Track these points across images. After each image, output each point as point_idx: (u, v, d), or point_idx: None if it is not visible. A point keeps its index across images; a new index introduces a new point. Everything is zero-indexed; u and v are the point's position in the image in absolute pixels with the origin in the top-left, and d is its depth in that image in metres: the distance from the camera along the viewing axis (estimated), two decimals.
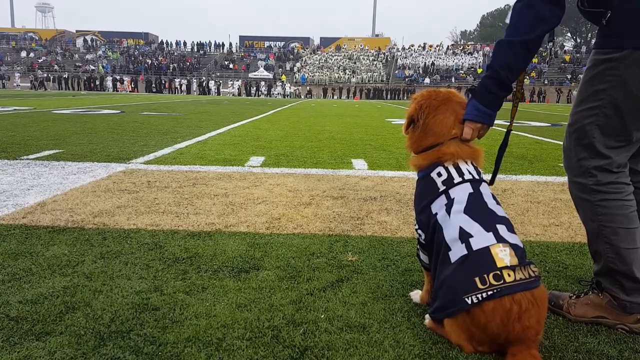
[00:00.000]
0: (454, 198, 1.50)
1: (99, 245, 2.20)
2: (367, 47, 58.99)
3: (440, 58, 53.92)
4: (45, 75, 47.62)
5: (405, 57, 55.33)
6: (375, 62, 54.69)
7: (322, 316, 1.59)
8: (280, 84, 49.49)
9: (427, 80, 49.73)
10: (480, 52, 54.55)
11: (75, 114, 10.63)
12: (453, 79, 49.34)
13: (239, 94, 46.69)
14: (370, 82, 50.50)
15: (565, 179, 4.07)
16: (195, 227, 2.51)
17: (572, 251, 2.32)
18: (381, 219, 2.73)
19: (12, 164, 4.13)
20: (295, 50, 59.70)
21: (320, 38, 62.78)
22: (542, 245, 2.39)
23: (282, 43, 61.66)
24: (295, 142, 6.40)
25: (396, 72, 52.36)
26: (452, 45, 61.50)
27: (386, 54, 57.00)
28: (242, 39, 62.44)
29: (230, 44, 61.17)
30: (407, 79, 50.37)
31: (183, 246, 2.22)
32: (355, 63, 54.70)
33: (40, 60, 53.91)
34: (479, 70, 50.48)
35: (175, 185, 3.52)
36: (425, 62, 53.15)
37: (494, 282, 1.33)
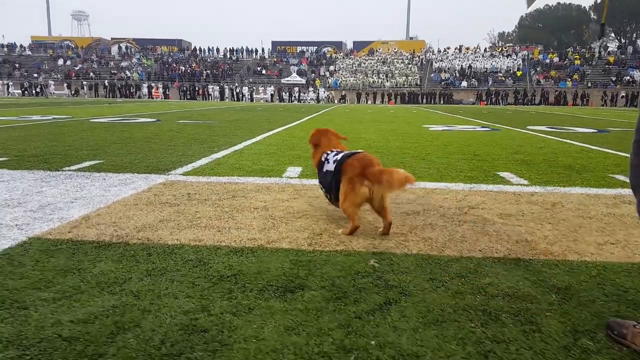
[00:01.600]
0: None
1: (145, 262, 2.21)
2: (401, 51, 58.61)
3: (477, 61, 53.07)
4: (80, 82, 49.18)
5: (441, 60, 54.70)
6: (410, 66, 54.27)
7: (373, 342, 1.54)
8: (313, 89, 49.69)
9: (464, 83, 49.03)
10: (519, 55, 53.42)
11: (112, 123, 10.91)
12: (490, 82, 48.47)
13: (272, 100, 47.11)
14: (405, 86, 50.11)
15: (618, 191, 3.93)
16: (237, 242, 2.50)
17: (632, 272, 2.19)
18: (426, 235, 2.66)
19: (55, 175, 4.24)
20: (328, 55, 59.84)
21: (353, 42, 62.81)
22: (598, 266, 2.27)
23: (315, 48, 61.92)
24: None
25: (432, 75, 51.81)
26: (490, 47, 60.49)
27: (421, 57, 56.51)
28: (275, 44, 63.04)
29: (263, 50, 61.84)
30: (443, 83, 49.78)
31: (227, 263, 2.21)
32: (389, 67, 54.41)
33: (76, 68, 55.71)
34: (518, 73, 49.45)
35: (215, 197, 3.53)
36: (461, 65, 52.40)
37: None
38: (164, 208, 3.19)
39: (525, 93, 45.08)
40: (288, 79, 52.65)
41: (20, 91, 46.30)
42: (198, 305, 1.78)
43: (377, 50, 59.34)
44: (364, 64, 56.02)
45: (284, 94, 48.04)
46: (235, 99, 47.28)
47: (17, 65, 55.97)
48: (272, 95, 48.19)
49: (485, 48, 57.70)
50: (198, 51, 61.73)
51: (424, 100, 46.42)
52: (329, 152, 3.00)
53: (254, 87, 49.78)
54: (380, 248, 2.45)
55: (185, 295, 1.86)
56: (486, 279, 2.07)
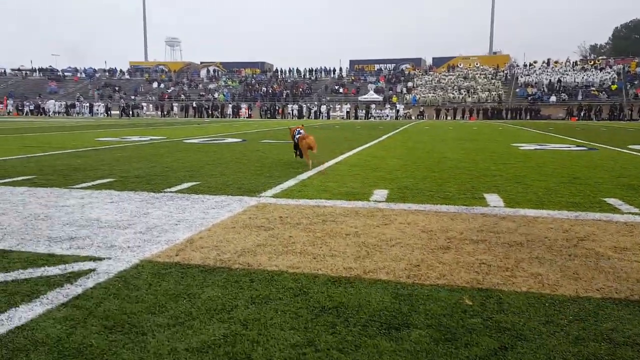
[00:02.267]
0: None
1: (248, 288, 2.26)
2: (484, 66, 56.92)
3: (567, 74, 50.22)
4: (170, 104, 52.60)
5: (527, 75, 52.38)
6: (493, 81, 52.48)
7: None
8: (389, 106, 49.49)
9: (552, 98, 46.53)
10: (614, 68, 49.89)
11: (203, 143, 11.48)
12: (580, 96, 45.64)
13: (348, 117, 47.49)
14: (488, 101, 48.46)
15: None
16: (334, 271, 2.50)
17: None
18: (534, 271, 2.50)
19: (158, 197, 4.50)
20: (407, 72, 59.45)
21: (433, 58, 61.92)
22: None
23: (393, 65, 61.77)
24: (417, 172, 6.25)
25: (517, 90, 49.72)
26: (581, 60, 57.10)
27: (505, 71, 54.49)
28: (352, 63, 63.67)
29: (341, 69, 62.62)
30: (529, 98, 47.58)
31: (327, 293, 2.20)
32: (470, 82, 52.96)
33: (169, 91, 59.58)
34: (613, 87, 46.13)
35: (305, 222, 3.57)
36: (550, 79, 49.82)
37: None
38: (259, 232, 3.27)
39: (621, 108, 41.84)
40: (365, 96, 52.81)
41: (118, 112, 50.27)
42: (304, 339, 1.78)
43: (457, 66, 58.02)
44: (444, 79, 54.94)
45: (360, 111, 48.24)
46: (313, 117, 48.17)
47: (116, 88, 60.94)
48: (347, 112, 48.57)
49: (576, 61, 54.46)
50: (279, 72, 63.80)
51: (508, 116, 44.52)
52: (295, 130, 7.27)
53: (331, 105, 50.46)
54: (485, 284, 2.33)
55: (290, 327, 1.88)
56: (609, 324, 1.90)
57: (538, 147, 10.64)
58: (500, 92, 49.62)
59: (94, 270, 2.49)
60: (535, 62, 55.06)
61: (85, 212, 3.79)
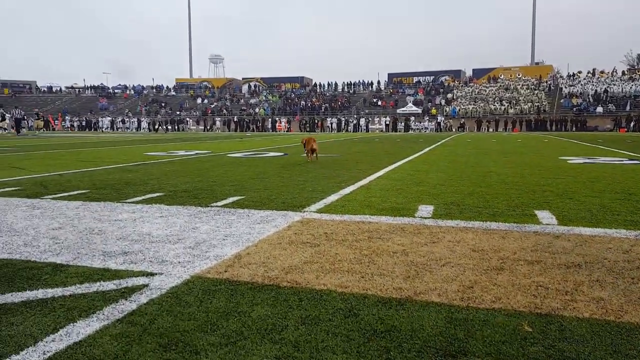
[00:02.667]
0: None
1: (297, 308, 2.25)
2: (526, 77, 55.61)
3: (614, 84, 48.39)
4: (212, 118, 54.00)
5: (571, 85, 50.83)
6: (536, 92, 51.16)
7: None
8: (428, 118, 48.98)
9: (599, 109, 44.89)
10: None
11: (246, 157, 11.66)
12: (629, 107, 43.81)
13: (387, 130, 47.28)
14: (531, 112, 47.22)
15: None
16: (383, 291, 2.45)
17: None
18: (596, 295, 2.38)
19: (205, 211, 4.58)
20: (446, 84, 58.79)
21: (473, 70, 61.01)
22: None
23: (432, 77, 61.24)
24: (462, 187, 6.12)
25: (561, 101, 48.27)
26: (629, 69, 54.92)
27: (548, 82, 53.06)
28: (391, 76, 63.53)
29: (379, 82, 62.60)
30: (575, 109, 46.07)
31: (377, 315, 2.16)
32: (512, 93, 51.81)
33: (212, 106, 61.09)
34: None
35: (351, 238, 3.54)
36: (596, 90, 48.15)
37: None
38: (305, 248, 3.26)
39: None
40: (404, 109, 52.49)
41: (164, 127, 51.95)
42: None
43: (499, 77, 56.90)
44: (485, 91, 53.96)
45: (399, 123, 47.93)
46: (352, 129, 48.21)
47: (163, 104, 63.00)
48: (387, 125, 48.37)
49: (623, 71, 52.40)
50: (318, 86, 64.35)
51: (553, 128, 43.18)
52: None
53: (370, 118, 50.38)
54: (544, 308, 2.23)
55: (342, 350, 1.85)
56: None
57: (587, 160, 10.23)
58: (543, 103, 48.27)
59: (147, 285, 2.54)
60: (579, 72, 53.38)
61: (137, 227, 3.89)
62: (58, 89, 71.95)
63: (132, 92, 69.41)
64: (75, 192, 5.69)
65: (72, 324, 2.07)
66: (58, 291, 2.47)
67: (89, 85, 71.75)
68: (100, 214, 4.41)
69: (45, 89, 72.02)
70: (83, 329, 2.03)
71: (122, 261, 2.97)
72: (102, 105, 64.26)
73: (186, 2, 72.20)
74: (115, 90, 70.50)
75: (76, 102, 66.79)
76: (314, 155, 10.47)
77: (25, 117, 34.79)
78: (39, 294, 2.44)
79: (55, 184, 6.46)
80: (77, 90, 71.30)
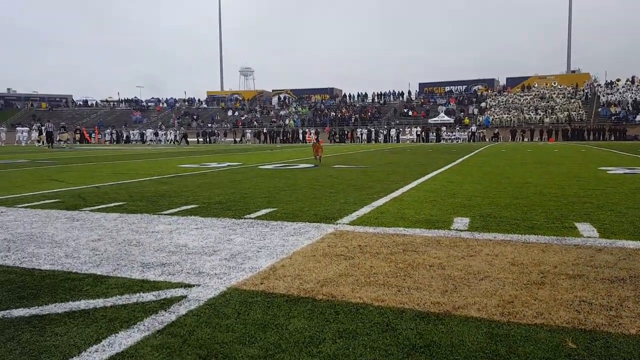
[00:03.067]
0: None
1: (334, 321, 2.24)
2: (562, 85, 54.39)
3: None
4: (242, 130, 54.81)
5: (609, 94, 49.44)
6: (572, 100, 49.95)
7: None
8: (459, 127, 48.41)
9: (639, 117, 43.45)
10: None
11: (277, 169, 11.75)
12: None
13: (417, 140, 46.91)
14: (567, 122, 46.09)
15: None
16: (421, 306, 2.42)
17: None
18: None
19: (239, 223, 4.63)
20: (479, 93, 58.06)
21: (507, 78, 60.10)
22: None
23: (464, 87, 60.61)
24: (498, 198, 6.00)
25: (599, 110, 46.95)
26: None
27: (585, 90, 51.73)
28: (422, 86, 63.22)
29: (410, 92, 62.33)
30: (613, 117, 44.74)
31: (416, 330, 2.13)
32: (548, 102, 50.72)
33: (242, 118, 61.96)
34: None
35: (385, 251, 3.51)
36: (635, 98, 46.67)
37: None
38: (340, 261, 3.25)
39: None
40: (435, 118, 52.01)
41: (196, 139, 53.03)
42: None
43: (533, 86, 55.82)
44: (519, 100, 52.99)
45: (431, 134, 47.49)
46: (382, 140, 48.02)
47: (195, 117, 64.30)
48: (418, 135, 48.00)
49: None
50: (348, 97, 64.52)
51: (591, 137, 41.97)
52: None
53: (400, 129, 50.10)
54: (588, 325, 2.16)
55: None
56: None
57: (628, 171, 9.89)
58: (580, 111, 47.04)
59: (185, 297, 2.58)
60: (618, 80, 51.86)
61: (173, 238, 3.97)
62: (93, 102, 74.43)
63: (165, 105, 71.12)
64: (113, 204, 5.84)
65: (114, 335, 2.12)
66: (99, 302, 2.53)
67: (123, 99, 73.94)
68: (138, 226, 4.51)
69: (81, 103, 74.59)
70: (125, 339, 2.07)
71: (160, 272, 3.03)
72: (136, 118, 65.99)
73: (217, 17, 73.84)
74: (149, 104, 72.41)
75: (111, 116, 68.84)
76: (320, 157, 14.19)
77: (54, 130, 36.70)
78: (81, 304, 2.50)
79: (93, 196, 6.65)
80: (111, 103, 73.56)
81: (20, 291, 2.71)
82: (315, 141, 15.36)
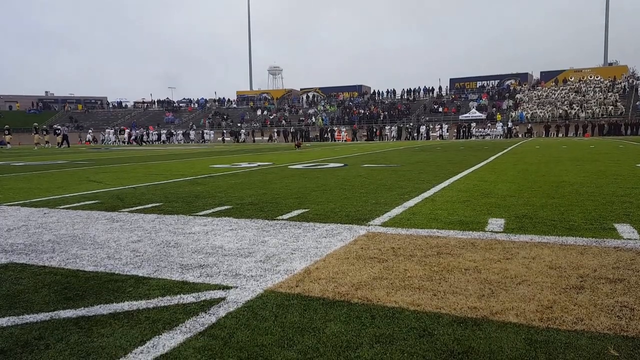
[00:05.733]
0: None
1: (370, 325, 2.26)
2: (598, 78, 52.73)
3: None
4: (274, 129, 55.32)
5: None
6: (609, 94, 48.39)
7: None
8: (490, 123, 47.53)
9: None
10: None
11: (307, 169, 11.82)
12: None
13: (449, 137, 46.31)
14: (604, 116, 44.68)
15: None
16: (457, 310, 2.41)
17: None
18: None
19: (272, 224, 4.69)
20: (512, 88, 56.86)
21: (541, 72, 58.72)
22: None
23: (497, 81, 59.46)
24: (534, 198, 5.89)
25: (637, 103, 45.37)
26: None
27: (623, 84, 50.03)
28: (453, 81, 62.31)
29: (440, 88, 61.50)
30: None
31: (453, 336, 2.13)
32: (584, 96, 49.28)
33: (271, 117, 62.42)
34: None
35: (419, 254, 3.51)
36: None
37: None
38: (373, 264, 3.27)
39: None
40: (467, 114, 51.23)
41: (229, 138, 53.96)
42: None
43: (569, 79, 54.30)
44: (554, 94, 51.64)
45: (462, 130, 46.81)
46: (411, 137, 47.59)
47: (225, 116, 65.15)
48: (447, 131, 47.41)
49: None
50: (377, 94, 64.15)
51: (628, 132, 40.58)
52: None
53: (431, 125, 49.52)
54: (630, 331, 2.12)
55: None
56: None
57: None
58: (618, 105, 45.51)
59: (224, 299, 2.64)
60: None
61: (209, 240, 4.06)
62: (127, 104, 76.34)
63: (196, 105, 72.28)
64: (150, 205, 6.00)
65: (157, 336, 2.19)
66: (142, 303, 2.62)
67: (155, 100, 75.52)
68: (175, 227, 4.63)
69: (115, 104, 76.56)
70: (168, 341, 2.14)
71: (198, 274, 3.11)
72: (168, 119, 67.31)
73: (246, 18, 74.57)
74: (180, 104, 73.75)
75: (144, 116, 70.43)
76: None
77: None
78: (125, 306, 2.59)
79: (130, 197, 6.84)
80: (145, 104, 75.25)
81: (67, 292, 2.83)
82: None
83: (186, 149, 31.48)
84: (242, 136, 54.51)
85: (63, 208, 5.98)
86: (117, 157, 20.27)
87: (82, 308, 2.57)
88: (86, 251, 3.79)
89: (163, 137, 57.14)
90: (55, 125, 50.94)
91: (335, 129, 51.84)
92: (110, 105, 76.89)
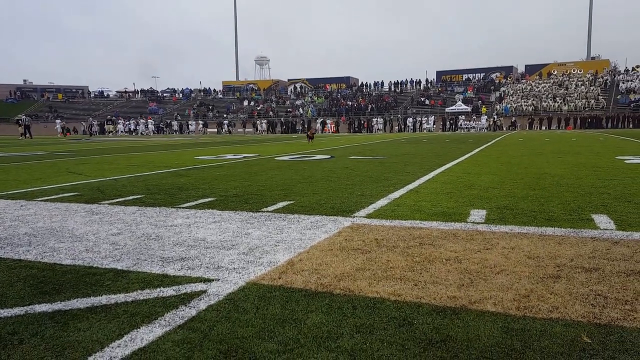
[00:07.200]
0: None
1: (351, 316, 2.27)
2: (580, 71, 53.36)
3: None
4: (259, 121, 55.06)
5: (629, 80, 48.41)
6: (592, 88, 49.04)
7: None
8: (475, 116, 47.90)
9: None
10: None
11: (293, 160, 11.80)
12: None
13: (436, 129, 46.55)
14: (586, 109, 45.29)
15: None
16: (437, 300, 2.44)
17: None
18: None
19: (256, 216, 4.68)
20: (497, 81, 57.28)
21: (525, 66, 59.20)
22: None
23: (482, 74, 59.85)
24: (515, 189, 5.96)
25: (618, 97, 46.05)
26: None
27: (605, 77, 50.71)
28: (439, 74, 62.58)
29: (427, 80, 61.69)
30: (632, 105, 43.87)
31: (432, 325, 2.16)
32: (566, 90, 49.85)
33: (258, 108, 62.06)
34: None
35: (402, 245, 3.53)
36: None
37: None
38: (357, 255, 3.28)
39: None
40: (453, 107, 51.52)
41: (215, 129, 53.54)
42: None
43: (552, 73, 54.86)
44: (537, 87, 52.15)
45: (448, 123, 47.09)
46: (397, 129, 47.76)
47: (210, 107, 64.61)
48: (434, 123, 47.69)
49: None
50: (364, 86, 64.14)
51: (609, 125, 41.22)
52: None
53: (417, 118, 49.75)
54: (603, 319, 2.16)
55: None
56: None
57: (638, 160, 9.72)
58: (599, 99, 46.17)
59: (204, 291, 2.64)
60: (637, 66, 50.73)
61: (192, 232, 4.04)
62: (109, 93, 75.15)
63: (181, 95, 71.52)
64: (131, 198, 5.94)
65: (135, 330, 2.18)
66: (121, 297, 2.60)
67: (138, 90, 74.50)
68: (156, 220, 4.59)
69: (97, 94, 75.33)
70: (146, 334, 2.13)
71: (179, 267, 3.09)
72: (152, 109, 66.50)
73: (232, 6, 73.75)
74: (164, 94, 72.86)
75: (127, 106, 69.53)
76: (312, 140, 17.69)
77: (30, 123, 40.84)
78: (103, 299, 2.57)
79: (111, 189, 6.77)
80: (128, 94, 74.19)
81: (43, 286, 2.79)
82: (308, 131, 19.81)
83: (170, 141, 31.20)
84: (226, 127, 54.11)
85: (41, 200, 5.89)
86: (99, 149, 20.01)
87: (59, 302, 2.54)
88: (64, 244, 3.74)
89: (143, 127, 56.16)
90: (18, 116, 50.17)
91: (328, 121, 51.76)
92: (92, 95, 75.65)
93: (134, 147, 21.93)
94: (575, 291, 2.51)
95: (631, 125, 40.23)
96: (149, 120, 57.27)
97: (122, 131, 54.50)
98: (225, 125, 54.30)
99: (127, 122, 56.58)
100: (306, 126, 48.38)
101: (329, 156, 12.89)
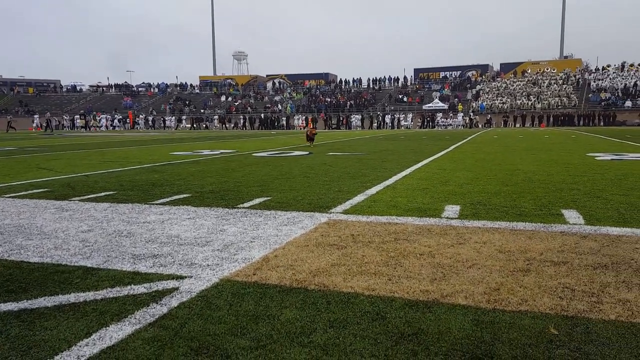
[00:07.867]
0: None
1: (325, 311, 2.28)
2: (554, 70, 54.45)
3: None
4: (238, 116, 54.63)
5: (600, 79, 49.63)
6: (564, 86, 50.11)
7: None
8: (452, 113, 48.46)
9: (628, 103, 43.73)
10: None
11: (271, 156, 11.75)
12: None
13: (413, 126, 46.95)
14: (559, 107, 46.28)
15: None
16: (410, 294, 2.46)
17: None
18: (622, 297, 2.35)
19: (232, 213, 4.64)
20: (473, 79, 58.04)
21: (500, 64, 60.10)
22: None
23: (459, 72, 60.55)
24: (489, 186, 6.05)
25: (590, 95, 47.15)
26: None
27: (577, 76, 51.87)
28: (417, 71, 63.05)
29: (405, 77, 62.09)
30: (603, 103, 44.98)
31: (404, 318, 2.18)
32: (540, 88, 50.82)
33: (236, 104, 61.54)
34: None
35: (378, 240, 3.55)
36: (625, 84, 46.91)
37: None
38: (332, 251, 3.29)
39: None
40: (430, 105, 51.97)
41: (189, 125, 52.81)
42: None
43: (526, 71, 55.85)
44: (512, 86, 53.03)
45: (426, 120, 47.53)
46: (376, 127, 47.98)
47: (187, 102, 63.79)
48: (412, 120, 48.07)
49: None
50: (343, 83, 64.19)
51: (581, 122, 42.21)
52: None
53: (395, 115, 50.07)
54: (570, 311, 2.21)
55: (370, 354, 1.87)
56: None
57: (615, 157, 9.99)
58: (571, 97, 47.21)
59: (177, 289, 2.60)
60: (608, 66, 52.06)
61: (165, 229, 3.98)
62: (82, 87, 73.28)
63: (156, 90, 70.39)
64: (103, 194, 5.83)
65: (104, 329, 2.14)
66: (90, 295, 2.55)
67: (112, 84, 72.95)
68: (129, 216, 4.52)
69: (69, 88, 73.44)
70: (116, 333, 2.09)
71: (151, 264, 3.05)
72: (126, 104, 65.26)
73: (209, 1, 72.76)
74: (140, 89, 71.54)
75: (100, 101, 68.11)
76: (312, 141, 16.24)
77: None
78: (71, 298, 2.51)
79: (82, 185, 6.63)
80: (101, 88, 72.57)
81: (9, 285, 2.72)
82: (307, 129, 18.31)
83: (145, 136, 30.72)
84: (205, 122, 53.51)
85: (9, 197, 5.74)
86: (70, 144, 19.58)
87: (25, 300, 2.47)
88: (32, 241, 3.65)
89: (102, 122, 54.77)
90: None
91: (304, 117, 51.61)
92: (64, 89, 73.77)
93: (107, 142, 21.52)
94: (544, 284, 2.56)
95: (602, 123, 41.25)
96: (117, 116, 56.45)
97: (105, 126, 53.30)
98: (205, 121, 53.73)
99: (112, 117, 55.40)
100: (302, 123, 47.82)
101: (308, 152, 12.87)
